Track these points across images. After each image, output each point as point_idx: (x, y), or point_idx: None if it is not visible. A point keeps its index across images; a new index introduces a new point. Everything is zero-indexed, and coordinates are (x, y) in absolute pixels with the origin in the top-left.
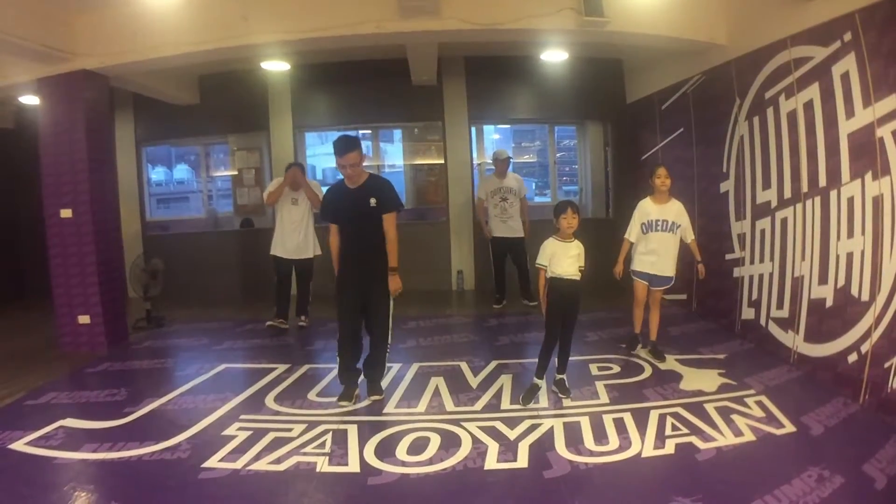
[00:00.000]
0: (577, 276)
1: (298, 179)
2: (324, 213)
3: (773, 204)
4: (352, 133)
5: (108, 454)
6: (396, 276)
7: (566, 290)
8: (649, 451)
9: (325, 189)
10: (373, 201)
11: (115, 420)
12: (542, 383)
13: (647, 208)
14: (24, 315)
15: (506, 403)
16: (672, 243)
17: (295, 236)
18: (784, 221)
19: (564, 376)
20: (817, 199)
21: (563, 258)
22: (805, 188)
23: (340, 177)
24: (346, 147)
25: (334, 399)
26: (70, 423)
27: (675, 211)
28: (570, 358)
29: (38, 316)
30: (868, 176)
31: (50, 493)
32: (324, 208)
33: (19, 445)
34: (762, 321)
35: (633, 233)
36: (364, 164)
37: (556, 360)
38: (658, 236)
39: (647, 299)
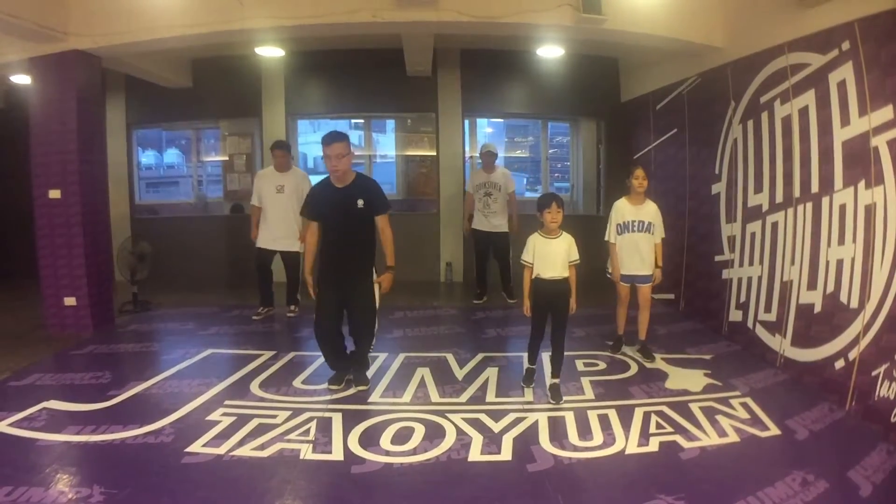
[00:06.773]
0: (564, 275)
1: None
2: (307, 211)
3: (765, 208)
4: (342, 128)
5: (91, 437)
6: (391, 275)
7: (550, 292)
8: (633, 448)
9: (312, 179)
10: (360, 202)
11: (98, 403)
12: (535, 366)
13: (622, 209)
14: (9, 296)
15: (491, 396)
16: (648, 243)
17: (280, 226)
18: (775, 226)
19: (558, 381)
20: (809, 205)
21: (547, 256)
22: (797, 193)
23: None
24: (332, 137)
25: (319, 387)
26: (54, 404)
27: (650, 212)
28: None
29: (24, 297)
30: (861, 184)
31: (32, 474)
32: (307, 205)
33: (2, 426)
34: (749, 324)
35: (611, 234)
36: (352, 161)
37: (550, 363)
38: (633, 237)
39: (638, 299)
